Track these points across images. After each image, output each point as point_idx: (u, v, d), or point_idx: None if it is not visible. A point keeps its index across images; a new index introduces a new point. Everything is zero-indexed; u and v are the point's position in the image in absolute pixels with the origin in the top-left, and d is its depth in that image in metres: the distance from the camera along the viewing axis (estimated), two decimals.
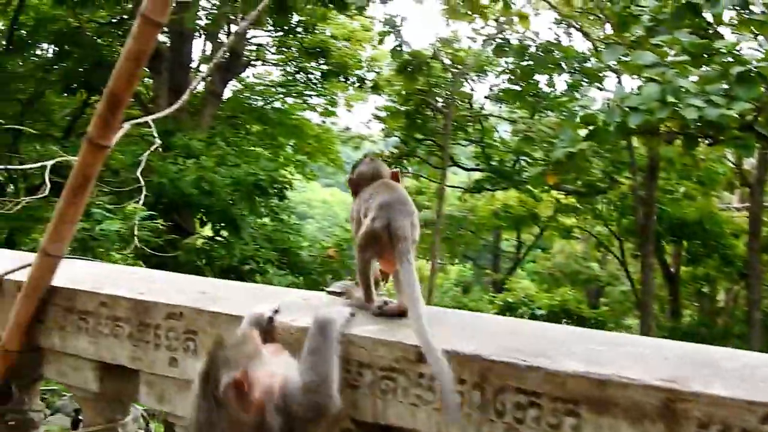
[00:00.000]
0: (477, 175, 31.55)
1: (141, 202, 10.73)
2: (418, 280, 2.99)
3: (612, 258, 34.97)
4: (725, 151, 24.26)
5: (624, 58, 13.87)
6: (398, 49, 22.40)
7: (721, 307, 32.00)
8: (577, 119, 14.22)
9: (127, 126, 10.90)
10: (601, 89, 23.75)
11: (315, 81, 29.50)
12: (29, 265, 4.00)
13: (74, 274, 4.08)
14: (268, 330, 3.07)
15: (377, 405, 2.85)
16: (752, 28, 13.62)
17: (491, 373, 2.58)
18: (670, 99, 11.38)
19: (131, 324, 3.62)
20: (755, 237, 22.74)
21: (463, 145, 31.53)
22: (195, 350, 3.38)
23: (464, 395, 2.63)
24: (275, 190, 20.42)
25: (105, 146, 3.51)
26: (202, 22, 23.02)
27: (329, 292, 3.44)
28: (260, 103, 29.47)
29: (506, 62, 25.43)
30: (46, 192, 9.61)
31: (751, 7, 13.39)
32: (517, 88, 25.16)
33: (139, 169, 10.36)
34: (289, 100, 30.61)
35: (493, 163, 28.84)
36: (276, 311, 3.14)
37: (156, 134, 11.30)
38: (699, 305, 32.18)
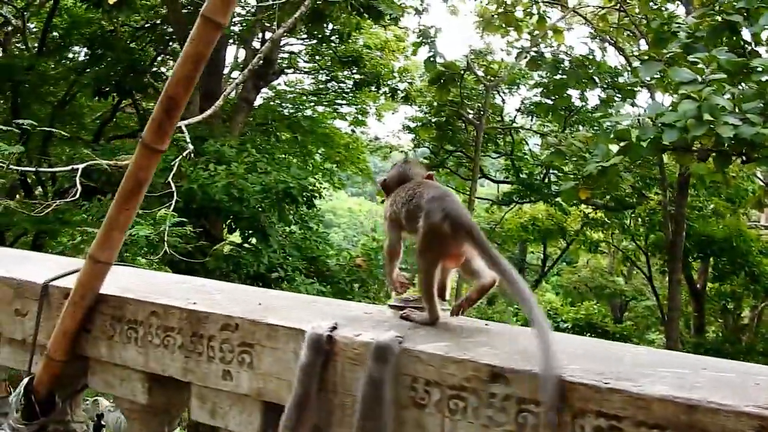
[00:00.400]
0: (505, 187, 31.56)
1: (172, 207, 10.79)
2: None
3: (637, 273, 34.91)
4: (755, 169, 24.19)
5: (660, 75, 13.86)
6: (432, 60, 22.37)
7: (746, 324, 31.86)
8: (611, 134, 14.19)
9: None
10: (633, 105, 23.70)
11: (347, 90, 29.56)
12: (75, 271, 3.94)
13: (121, 281, 4.01)
14: (327, 349, 3.00)
15: (445, 425, 2.76)
16: None
17: (571, 395, 2.49)
18: (706, 116, 11.35)
19: (183, 335, 3.54)
20: None
21: (492, 158, 31.57)
22: (251, 363, 3.30)
23: (540, 417, 2.55)
24: (304, 199, 20.38)
25: (160, 150, 3.46)
26: (237, 29, 23.04)
27: (391, 306, 3.35)
28: (291, 111, 29.53)
29: (539, 75, 25.48)
30: (77, 195, 9.68)
31: None
32: (549, 101, 25.15)
33: (171, 175, 10.45)
34: (320, 108, 30.69)
35: (523, 176, 28.84)
36: (334, 327, 3.06)
37: (189, 140, 11.38)
38: (723, 322, 32.07)
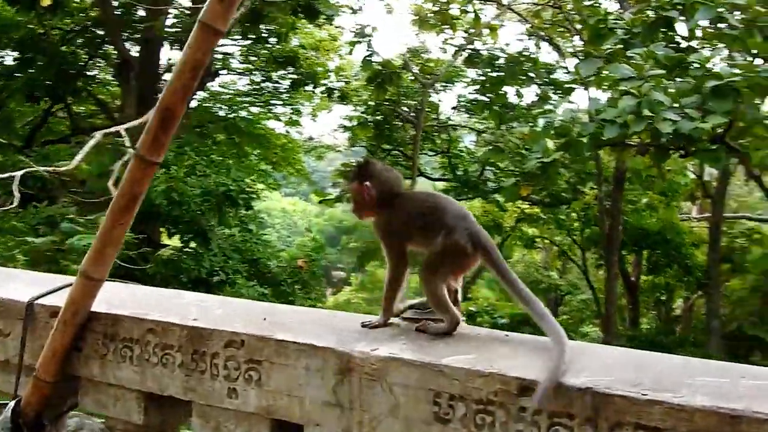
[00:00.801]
0: (441, 185, 31.68)
1: None
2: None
3: (571, 267, 35.27)
4: (688, 163, 24.64)
5: (598, 71, 14.06)
6: (369, 58, 22.37)
7: (679, 316, 32.38)
8: (551, 131, 14.36)
9: (98, 135, 10.88)
10: (570, 102, 23.96)
11: (282, 90, 29.44)
12: (60, 288, 3.84)
13: (112, 298, 3.86)
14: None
15: None
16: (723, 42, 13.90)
17: (606, 407, 2.43)
18: (646, 112, 11.56)
19: (184, 352, 3.42)
20: (715, 247, 23.06)
21: (429, 155, 31.64)
22: (259, 380, 3.20)
23: (574, 431, 2.49)
24: (244, 201, 20.27)
25: (155, 163, 3.34)
26: (172, 30, 22.88)
27: (405, 319, 3.26)
28: (226, 113, 29.32)
29: (476, 73, 25.62)
30: (15, 203, 9.53)
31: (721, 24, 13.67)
32: (486, 99, 25.31)
33: (111, 180, 10.36)
34: (254, 109, 30.51)
35: (459, 173, 28.97)
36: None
37: (129, 144, 11.32)
38: (657, 313, 32.54)
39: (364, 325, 3.21)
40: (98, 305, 3.72)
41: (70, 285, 3.78)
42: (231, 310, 3.68)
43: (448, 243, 3.03)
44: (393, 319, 3.25)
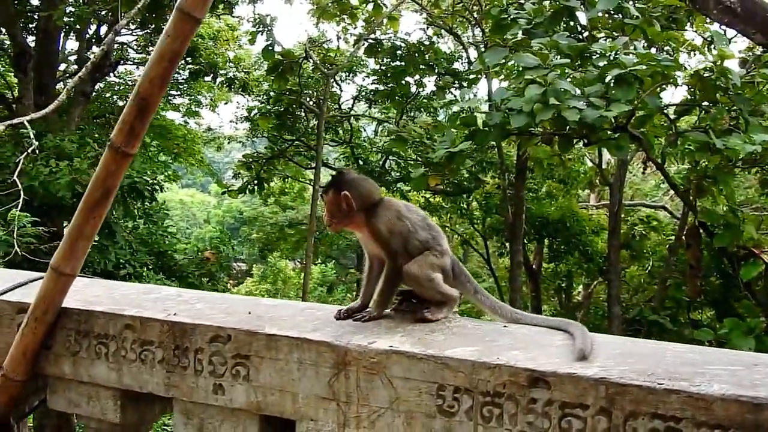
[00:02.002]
0: None
1: (20, 207, 10.41)
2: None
3: (473, 256, 35.55)
4: (586, 151, 25.01)
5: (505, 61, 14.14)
6: (269, 48, 22.19)
7: (580, 302, 32.88)
8: (457, 120, 14.39)
9: (0, 127, 10.54)
10: (473, 92, 24.10)
11: (180, 81, 29.07)
12: (26, 283, 3.81)
13: (84, 294, 3.83)
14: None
15: None
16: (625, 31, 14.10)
17: (621, 397, 2.41)
18: (552, 101, 11.64)
19: (165, 348, 3.37)
20: (614, 234, 23.40)
21: (331, 146, 31.61)
22: (247, 376, 3.17)
23: (587, 422, 2.47)
24: (149, 193, 19.99)
25: (130, 154, 3.29)
26: (71, 20, 22.33)
27: (397, 310, 3.32)
28: (125, 103, 28.83)
29: (377, 63, 25.59)
30: None
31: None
32: (387, 88, 25.34)
33: (16, 173, 10.10)
34: None
35: (362, 163, 28.96)
36: None
37: (32, 135, 11.03)
38: (558, 300, 33.01)
39: (356, 319, 3.24)
40: (70, 302, 3.70)
41: (35, 281, 3.84)
42: (212, 304, 3.63)
43: (438, 262, 3.27)
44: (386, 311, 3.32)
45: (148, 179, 19.93)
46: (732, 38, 17.25)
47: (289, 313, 3.39)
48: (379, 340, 2.95)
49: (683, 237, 20.37)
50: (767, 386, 2.28)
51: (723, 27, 11.33)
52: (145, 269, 18.89)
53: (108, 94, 29.16)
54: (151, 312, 3.50)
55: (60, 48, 24.66)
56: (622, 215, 25.36)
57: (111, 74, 27.61)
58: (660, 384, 2.38)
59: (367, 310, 3.28)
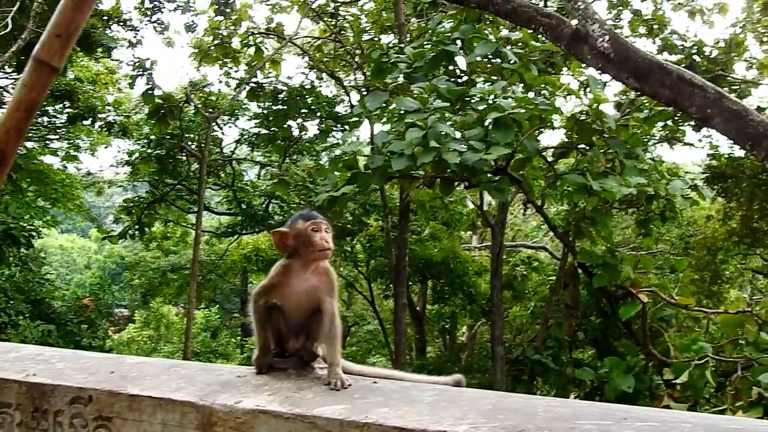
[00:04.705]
0: (226, 218, 31.36)
1: None
2: None
3: (357, 298, 35.50)
4: (467, 194, 25.26)
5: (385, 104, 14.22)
6: (150, 92, 21.93)
7: (464, 343, 33.04)
8: (339, 164, 14.41)
9: None
10: (355, 135, 24.17)
11: (58, 125, 28.49)
12: None
13: None
14: None
15: None
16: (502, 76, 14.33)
17: None
18: (433, 143, 11.72)
19: (23, 411, 3.18)
20: (496, 275, 23.60)
21: (213, 189, 31.31)
22: None
23: None
24: (24, 239, 19.45)
25: None
26: None
27: (273, 368, 3.25)
28: None
29: (259, 106, 25.48)
30: None
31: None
32: (269, 132, 25.25)
33: None
34: (29, 144, 29.41)
35: (244, 207, 28.74)
36: None
37: None
38: (442, 341, 33.13)
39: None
40: None
41: None
42: (73, 363, 3.45)
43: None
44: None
45: (24, 225, 19.40)
46: (607, 82, 17.67)
47: (153, 372, 3.27)
48: (245, 400, 2.85)
49: (562, 277, 20.68)
50: None
51: (598, 71, 11.59)
52: (21, 317, 18.34)
53: None
54: (9, 372, 3.32)
55: None
56: (504, 256, 25.63)
57: None
58: None
59: (337, 373, 3.17)
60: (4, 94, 27.75)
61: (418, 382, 3.15)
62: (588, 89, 15.81)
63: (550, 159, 15.87)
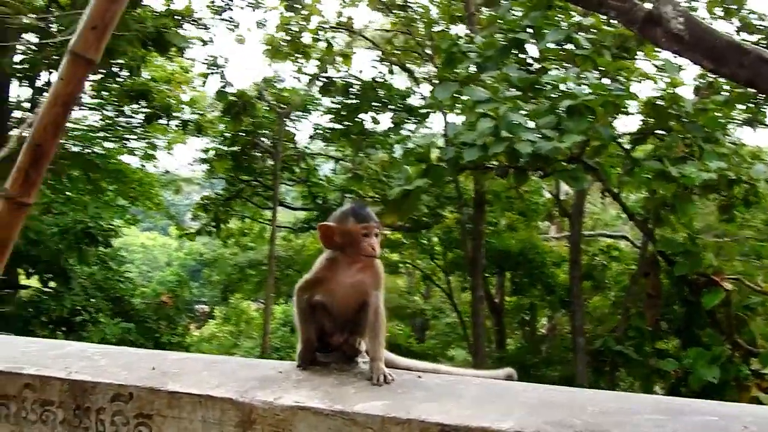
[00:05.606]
0: (302, 214, 31.43)
1: None
2: None
3: (436, 291, 35.34)
4: (544, 183, 24.96)
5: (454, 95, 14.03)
6: (223, 90, 22.06)
7: (544, 335, 32.73)
8: (411, 157, 14.29)
9: None
10: (427, 127, 24.07)
11: (135, 124, 28.83)
12: None
13: None
14: None
15: None
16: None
17: None
18: (504, 133, 11.53)
19: (65, 408, 3.14)
20: (576, 265, 23.31)
21: (288, 185, 31.38)
22: None
23: None
24: (103, 238, 19.70)
25: (27, 204, 3.09)
26: (24, 67, 22.11)
27: (317, 363, 3.18)
28: (78, 149, 28.57)
29: (331, 101, 25.47)
30: None
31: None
32: (342, 126, 25.22)
33: None
34: (108, 144, 29.83)
35: (319, 202, 28.76)
36: None
37: None
38: (522, 334, 32.84)
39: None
40: None
41: None
42: (116, 360, 3.42)
43: None
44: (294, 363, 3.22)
45: (103, 224, 19.65)
46: (683, 66, 17.26)
47: (194, 368, 3.22)
48: (285, 396, 2.77)
49: (642, 266, 20.31)
50: None
51: (673, 54, 11.26)
52: (101, 315, 18.58)
53: (62, 140, 28.82)
54: (52, 370, 3.28)
55: (14, 96, 24.43)
56: (583, 246, 25.31)
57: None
58: None
59: (379, 368, 3.07)
60: (83, 96, 28.17)
61: (466, 375, 2.99)
62: (665, 73, 15.46)
63: (626, 146, 15.55)
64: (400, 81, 27.86)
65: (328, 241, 3.35)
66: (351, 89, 23.88)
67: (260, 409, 2.73)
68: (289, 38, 24.29)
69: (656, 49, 14.20)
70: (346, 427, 2.55)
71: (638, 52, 16.15)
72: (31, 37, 21.00)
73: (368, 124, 25.30)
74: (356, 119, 24.33)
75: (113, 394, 3.05)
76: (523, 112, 12.35)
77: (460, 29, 21.41)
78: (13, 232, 3.03)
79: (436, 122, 26.86)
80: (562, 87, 12.54)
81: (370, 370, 2.99)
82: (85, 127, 29.74)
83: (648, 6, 8.39)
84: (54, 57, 21.03)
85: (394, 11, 24.87)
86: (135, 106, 27.17)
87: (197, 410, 2.84)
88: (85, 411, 3.10)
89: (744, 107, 18.80)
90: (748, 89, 12.22)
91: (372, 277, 3.33)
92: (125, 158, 30.82)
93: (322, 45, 23.96)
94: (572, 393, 2.74)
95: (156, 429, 2.93)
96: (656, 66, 16.74)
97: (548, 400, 2.58)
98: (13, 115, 24.53)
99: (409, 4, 24.41)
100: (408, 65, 26.46)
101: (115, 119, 29.18)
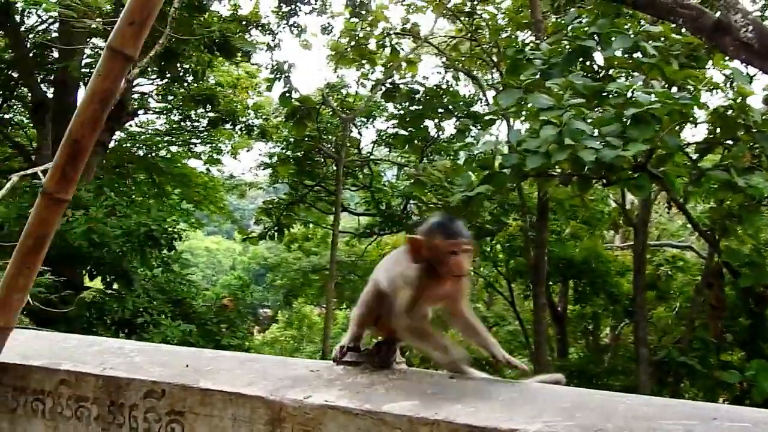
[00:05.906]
0: (365, 219, 31.52)
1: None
2: None
3: (497, 298, 35.23)
4: (609, 192, 24.78)
5: (518, 102, 13.97)
6: (287, 95, 22.18)
7: (607, 345, 32.46)
8: (473, 163, 14.26)
9: (15, 178, 10.47)
10: (490, 134, 24.00)
11: (201, 129, 29.15)
12: None
13: (23, 347, 3.61)
14: None
15: None
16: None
17: None
18: (568, 141, 11.45)
19: (100, 404, 3.18)
20: (640, 275, 23.10)
21: (351, 190, 31.48)
22: None
23: None
24: (166, 241, 19.91)
25: (64, 200, 3.13)
26: (87, 71, 22.40)
27: (343, 363, 3.22)
28: (145, 152, 28.98)
29: (395, 107, 25.50)
30: None
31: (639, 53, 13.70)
32: (406, 133, 25.22)
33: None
34: (174, 148, 30.20)
35: (382, 208, 28.80)
36: None
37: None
38: (584, 343, 32.61)
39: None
40: (7, 355, 3.46)
41: None
42: (151, 357, 3.46)
43: None
44: (328, 363, 3.26)
45: (166, 227, 19.84)
46: (755, 75, 17.02)
47: (228, 366, 3.25)
48: (315, 395, 2.79)
49: (707, 277, 20.08)
50: None
51: (742, 63, 11.12)
52: (163, 317, 18.79)
53: (127, 144, 29.23)
54: (88, 366, 3.33)
55: (78, 99, 24.76)
56: (648, 256, 25.07)
57: (128, 124, 27.67)
58: None
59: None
60: (149, 99, 28.57)
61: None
62: (733, 82, 15.26)
63: (693, 155, 15.37)
64: (466, 88, 27.89)
65: (416, 253, 3.30)
66: (416, 95, 23.87)
67: (290, 407, 2.76)
68: (354, 44, 24.40)
69: (725, 58, 14.03)
70: (375, 427, 2.57)
71: (708, 61, 15.97)
72: (99, 42, 21.28)
73: (432, 131, 25.30)
74: (420, 125, 24.31)
75: (146, 390, 3.09)
76: (588, 120, 12.25)
77: (526, 36, 21.36)
78: (50, 228, 3.07)
79: (501, 130, 26.82)
80: (627, 95, 12.42)
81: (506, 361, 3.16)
82: (151, 131, 30.15)
83: (717, 15, 8.30)
84: None
85: (460, 18, 24.85)
86: (200, 110, 27.47)
87: (228, 408, 2.87)
88: (119, 407, 3.14)
89: None
90: None
91: (459, 290, 3.35)
92: (190, 162, 31.24)
93: (388, 51, 24.00)
94: (604, 397, 2.72)
95: (188, 426, 2.96)
96: (725, 75, 16.54)
97: (580, 403, 2.57)
98: None
99: (476, 11, 24.38)
100: (473, 72, 26.45)
101: (181, 123, 29.52)
